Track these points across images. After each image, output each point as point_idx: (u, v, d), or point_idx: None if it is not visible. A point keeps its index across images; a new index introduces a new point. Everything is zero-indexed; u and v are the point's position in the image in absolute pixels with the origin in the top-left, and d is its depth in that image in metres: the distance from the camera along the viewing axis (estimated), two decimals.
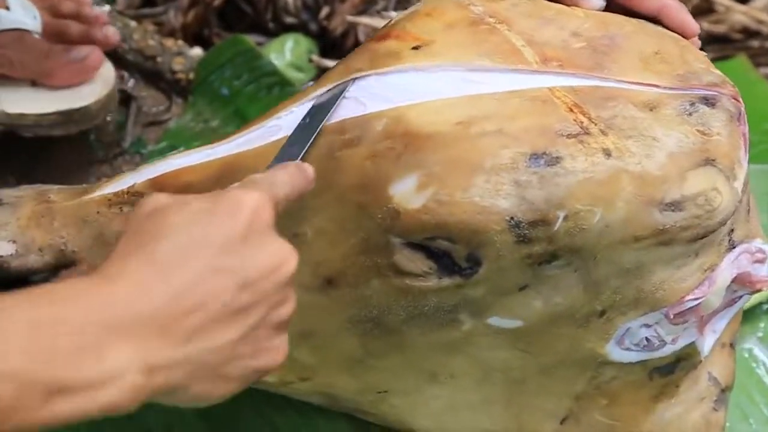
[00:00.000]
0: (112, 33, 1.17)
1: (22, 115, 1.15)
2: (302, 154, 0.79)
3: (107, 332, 0.61)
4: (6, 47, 1.13)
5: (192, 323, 0.64)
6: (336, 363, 0.87)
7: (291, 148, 0.79)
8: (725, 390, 0.95)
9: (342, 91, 0.82)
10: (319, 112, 0.82)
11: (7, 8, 1.13)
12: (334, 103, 0.81)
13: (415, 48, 0.83)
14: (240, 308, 0.66)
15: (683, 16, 0.89)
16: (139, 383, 0.62)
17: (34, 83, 1.16)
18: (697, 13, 1.46)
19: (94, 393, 0.60)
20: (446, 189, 0.76)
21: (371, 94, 0.81)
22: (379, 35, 0.86)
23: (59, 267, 0.86)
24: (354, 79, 0.83)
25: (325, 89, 0.85)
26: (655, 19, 0.89)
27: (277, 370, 0.71)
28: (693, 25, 0.89)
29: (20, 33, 1.13)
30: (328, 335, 0.85)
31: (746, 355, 1.10)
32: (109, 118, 1.25)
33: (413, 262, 0.79)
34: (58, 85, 1.15)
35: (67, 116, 1.17)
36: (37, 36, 1.14)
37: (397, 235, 0.78)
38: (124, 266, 0.64)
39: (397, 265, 0.79)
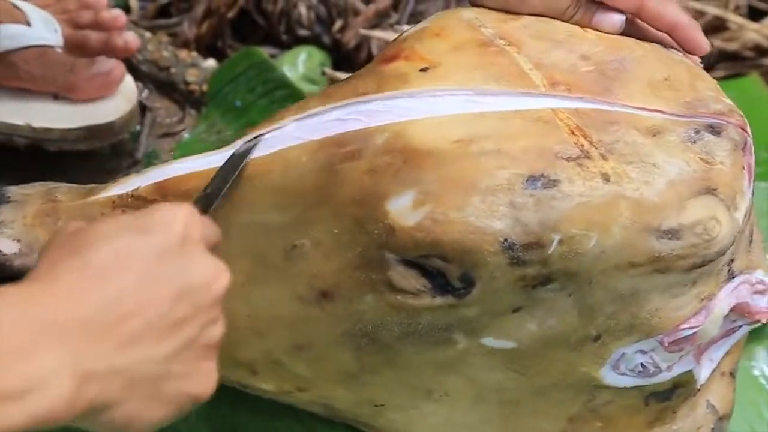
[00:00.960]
0: (131, 39, 1.18)
1: (47, 130, 1.16)
2: (215, 203, 0.78)
3: (38, 335, 0.58)
4: (29, 63, 1.14)
5: (128, 330, 0.62)
6: (332, 376, 0.87)
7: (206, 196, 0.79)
8: (723, 418, 0.94)
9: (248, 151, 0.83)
10: (236, 159, 0.82)
11: (29, 24, 1.14)
12: (246, 156, 0.82)
13: (423, 70, 0.83)
14: (175, 320, 0.64)
15: (695, 34, 0.88)
16: (70, 391, 0.58)
17: (56, 96, 1.17)
18: (710, 30, 1.45)
19: (21, 400, 0.57)
20: (442, 207, 0.76)
21: (374, 112, 0.81)
22: (388, 55, 0.86)
23: None
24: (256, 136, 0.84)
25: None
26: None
27: (206, 399, 0.68)
28: (704, 43, 0.88)
29: (42, 49, 1.14)
30: (323, 348, 0.85)
31: (756, 373, 1.09)
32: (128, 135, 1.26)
33: (407, 279, 0.79)
34: (82, 98, 1.16)
35: (92, 132, 1.18)
36: (59, 50, 1.15)
37: (392, 251, 0.78)
38: (56, 271, 0.62)
39: (392, 281, 0.79)
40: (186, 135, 1.30)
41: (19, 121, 1.15)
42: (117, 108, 1.19)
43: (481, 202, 0.75)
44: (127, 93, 1.20)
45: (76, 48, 1.16)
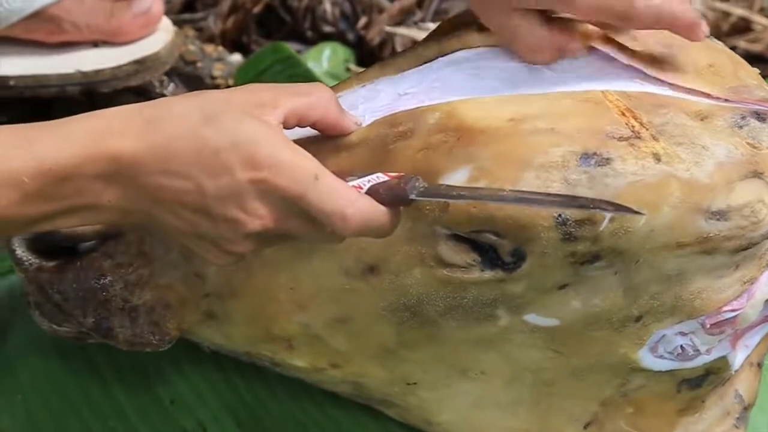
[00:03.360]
0: None
1: (98, 72, 1.17)
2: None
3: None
4: (71, 14, 1.13)
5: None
6: (369, 351, 0.88)
7: None
8: (747, 408, 0.95)
9: None
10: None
11: None
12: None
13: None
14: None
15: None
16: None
17: (96, 44, 1.17)
18: (735, 31, 1.47)
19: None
20: (496, 183, 0.77)
21: (428, 88, 0.83)
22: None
23: (108, 236, 0.87)
24: None
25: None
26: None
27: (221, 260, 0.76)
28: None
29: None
30: (365, 322, 0.86)
31: None
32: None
33: (458, 253, 0.80)
34: (126, 41, 1.17)
35: (141, 65, 1.19)
36: None
37: (444, 226, 0.79)
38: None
39: (441, 255, 0.80)
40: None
41: (69, 69, 1.15)
42: (159, 39, 1.20)
43: (536, 178, 0.76)
44: (164, 25, 1.21)
45: None
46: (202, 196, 0.72)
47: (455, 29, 0.87)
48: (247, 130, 0.72)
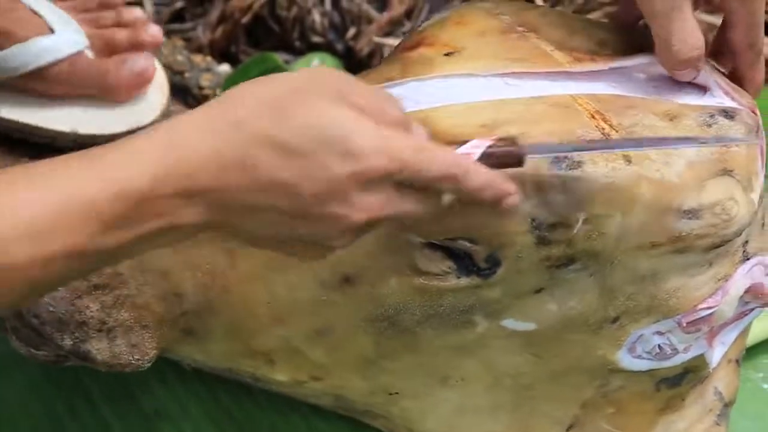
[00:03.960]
0: (156, 31, 1.17)
1: (94, 136, 1.16)
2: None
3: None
4: (64, 74, 1.12)
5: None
6: (349, 363, 0.88)
7: None
8: (728, 405, 0.96)
9: None
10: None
11: (52, 30, 1.12)
12: None
13: (447, 54, 0.84)
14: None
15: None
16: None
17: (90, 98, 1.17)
18: None
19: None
20: None
21: (400, 97, 0.83)
22: (408, 44, 0.88)
23: None
24: None
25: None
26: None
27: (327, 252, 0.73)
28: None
29: (72, 59, 1.13)
30: (343, 334, 0.86)
31: (765, 386, 1.10)
32: None
33: (433, 261, 0.80)
34: (120, 100, 1.16)
35: (137, 131, 1.18)
36: (88, 53, 1.14)
37: (418, 234, 0.79)
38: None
39: (417, 264, 0.80)
40: None
41: (65, 128, 1.15)
42: (156, 101, 1.19)
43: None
44: (159, 81, 1.20)
45: (103, 47, 1.16)
46: (297, 198, 0.68)
47: (417, 47, 0.87)
48: (332, 121, 0.68)
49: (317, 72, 0.72)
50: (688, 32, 0.81)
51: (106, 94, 1.15)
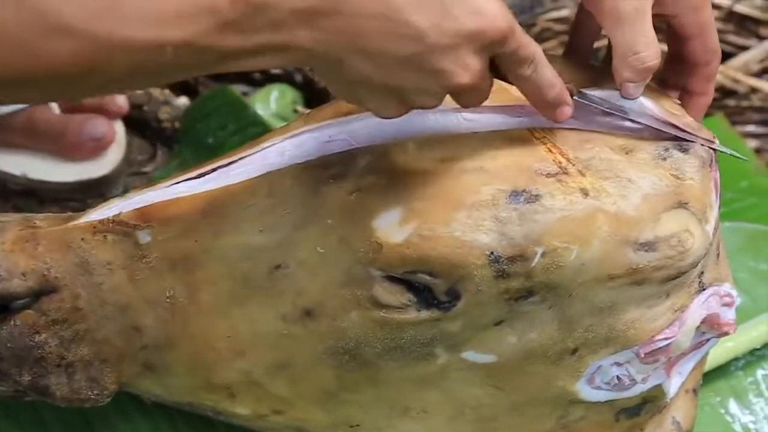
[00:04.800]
0: (123, 102, 1.18)
1: (43, 182, 1.16)
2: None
3: None
4: (22, 125, 1.13)
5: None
6: (310, 396, 0.88)
7: None
8: None
9: None
10: None
11: None
12: None
13: None
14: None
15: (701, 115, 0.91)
16: None
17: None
18: None
19: None
20: (428, 224, 0.78)
21: (359, 134, 0.83)
22: None
23: (41, 293, 0.86)
24: None
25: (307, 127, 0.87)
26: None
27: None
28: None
29: (31, 112, 1.13)
30: (304, 367, 0.86)
31: (722, 411, 1.12)
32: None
33: (393, 295, 0.80)
34: (76, 159, 1.16)
35: (87, 185, 1.19)
36: (50, 107, 1.14)
37: (378, 268, 0.80)
38: None
39: (377, 297, 0.81)
40: (158, 173, 1.30)
41: (16, 171, 1.15)
42: (110, 160, 1.20)
43: (467, 218, 0.77)
44: (117, 139, 1.21)
45: (68, 107, 1.16)
46: (420, 45, 0.69)
47: None
48: None
49: None
50: (652, 39, 0.83)
51: (62, 153, 1.15)
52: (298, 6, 0.67)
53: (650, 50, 0.83)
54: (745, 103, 1.48)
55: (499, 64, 0.75)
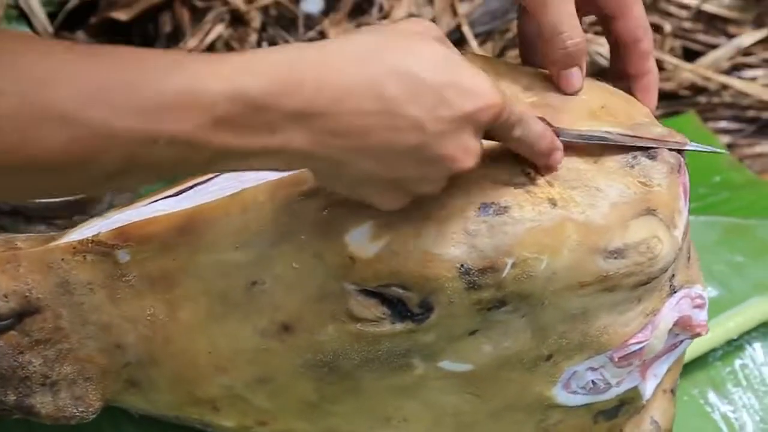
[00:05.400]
0: None
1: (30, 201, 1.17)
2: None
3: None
4: None
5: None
6: (292, 408, 0.90)
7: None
8: None
9: None
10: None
11: None
12: None
13: None
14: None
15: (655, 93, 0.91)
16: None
17: None
18: None
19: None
20: (399, 238, 0.79)
21: None
22: None
23: (24, 314, 0.87)
24: None
25: None
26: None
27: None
28: (654, 103, 0.91)
29: None
30: (284, 380, 0.87)
31: (701, 401, 1.13)
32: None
33: (367, 308, 0.82)
34: None
35: (73, 202, 1.20)
36: None
37: (352, 282, 0.81)
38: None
39: (352, 311, 0.82)
40: (144, 189, 1.30)
41: None
42: None
43: (437, 231, 0.79)
44: None
45: None
46: (422, 135, 0.69)
47: None
48: (453, 61, 0.70)
49: (422, 21, 0.74)
50: (576, 22, 0.84)
51: None
52: (295, 108, 0.67)
53: (574, 30, 0.84)
54: (716, 100, 1.50)
55: (492, 133, 0.75)
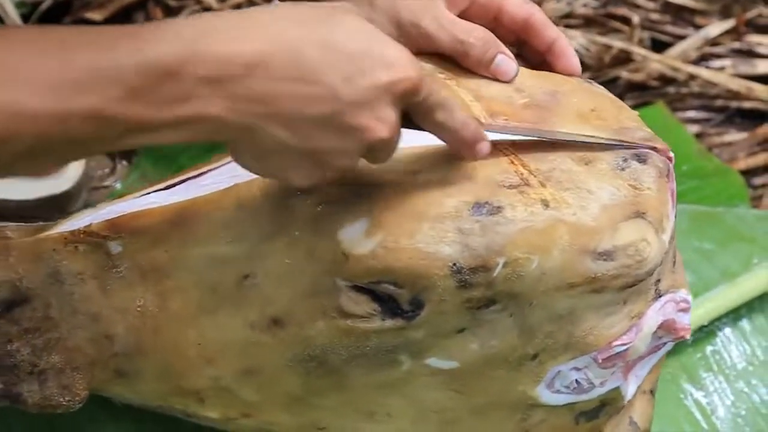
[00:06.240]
0: None
1: (5, 201, 1.17)
2: None
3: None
4: None
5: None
6: (278, 400, 0.90)
7: None
8: None
9: None
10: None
11: None
12: None
13: None
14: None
15: (571, 51, 0.92)
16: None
17: None
18: (616, 63, 1.53)
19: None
20: (393, 235, 0.80)
21: None
22: None
23: (14, 303, 0.87)
24: None
25: None
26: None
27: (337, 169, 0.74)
28: (577, 65, 0.92)
29: None
30: (272, 373, 0.88)
31: (674, 387, 1.15)
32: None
33: (358, 304, 0.82)
34: (36, 176, 1.17)
35: (49, 202, 1.20)
36: None
37: (344, 278, 0.82)
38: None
39: (343, 307, 0.83)
40: (118, 186, 1.31)
41: None
42: (70, 175, 1.20)
43: (431, 229, 0.79)
44: None
45: None
46: (336, 103, 0.69)
47: None
48: (375, 33, 0.70)
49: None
50: (461, 22, 0.87)
51: None
52: (207, 74, 0.66)
53: (467, 31, 0.86)
54: (684, 90, 1.53)
55: (412, 113, 0.75)
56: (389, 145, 0.74)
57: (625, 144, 0.85)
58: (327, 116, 0.69)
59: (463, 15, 0.88)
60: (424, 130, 0.77)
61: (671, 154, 0.87)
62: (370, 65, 0.69)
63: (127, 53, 0.65)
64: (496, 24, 0.90)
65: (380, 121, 0.71)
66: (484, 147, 0.79)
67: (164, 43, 0.66)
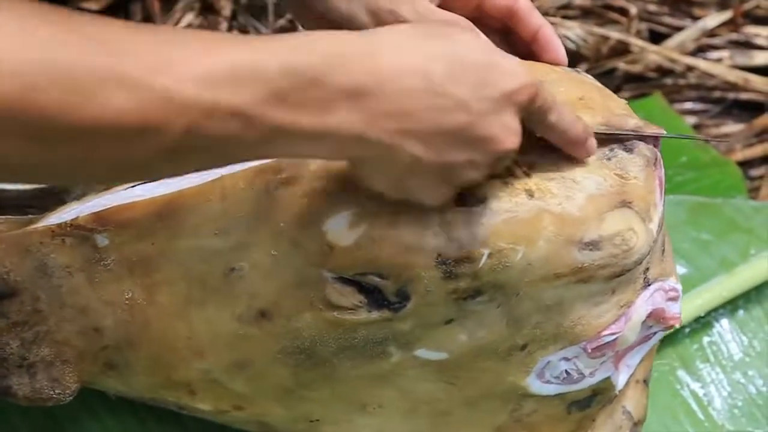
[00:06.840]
0: None
1: (2, 190, 1.17)
2: None
3: None
4: None
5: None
6: (269, 393, 0.90)
7: None
8: (637, 423, 0.99)
9: None
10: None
11: None
12: None
13: None
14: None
15: (557, 39, 0.92)
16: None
17: None
18: (614, 54, 1.53)
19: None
20: (377, 227, 0.80)
21: None
22: None
23: (2, 296, 0.88)
24: None
25: None
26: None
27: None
28: (563, 55, 0.92)
29: None
30: (262, 366, 0.88)
31: (671, 378, 1.15)
32: None
33: (344, 296, 0.82)
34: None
35: (46, 192, 1.20)
36: None
37: (329, 270, 0.82)
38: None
39: (329, 299, 0.83)
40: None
41: None
42: None
43: (415, 221, 0.79)
44: None
45: None
46: (468, 114, 0.70)
47: None
48: (489, 46, 0.73)
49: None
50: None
51: None
52: (349, 84, 0.67)
53: (441, 13, 0.87)
54: (682, 82, 1.52)
55: (527, 119, 0.76)
56: (510, 153, 0.75)
57: (630, 134, 0.85)
58: (461, 128, 0.71)
59: (445, 5, 0.88)
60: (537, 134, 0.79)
61: (661, 133, 0.86)
62: (495, 76, 0.71)
63: (273, 56, 0.66)
64: (479, 12, 0.90)
65: (509, 131, 0.73)
66: (594, 143, 0.81)
67: (308, 52, 0.67)
